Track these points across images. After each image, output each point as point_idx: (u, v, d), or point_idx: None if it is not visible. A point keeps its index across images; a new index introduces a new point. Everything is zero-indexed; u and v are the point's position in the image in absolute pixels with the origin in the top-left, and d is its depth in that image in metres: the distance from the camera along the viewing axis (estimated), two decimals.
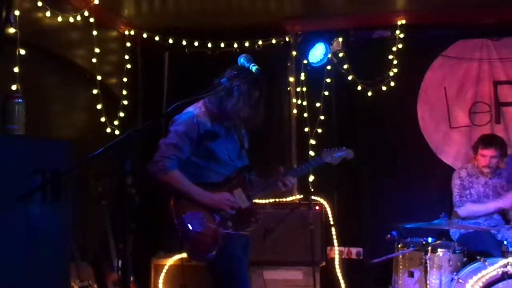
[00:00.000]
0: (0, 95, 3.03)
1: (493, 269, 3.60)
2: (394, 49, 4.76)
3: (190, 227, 2.83)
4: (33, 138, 2.99)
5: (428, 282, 3.71)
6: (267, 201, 4.43)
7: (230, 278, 2.89)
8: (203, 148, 2.92)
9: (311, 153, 4.80)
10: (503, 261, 3.62)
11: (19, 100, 2.92)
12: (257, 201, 4.21)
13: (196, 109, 2.96)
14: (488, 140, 4.33)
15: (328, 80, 4.88)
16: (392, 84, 4.77)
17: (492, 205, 4.25)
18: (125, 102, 4.74)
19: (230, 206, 2.90)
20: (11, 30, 3.40)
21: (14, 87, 3.35)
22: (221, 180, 2.97)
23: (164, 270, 4.34)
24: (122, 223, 2.30)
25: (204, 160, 2.94)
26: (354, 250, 4.77)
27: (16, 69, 3.41)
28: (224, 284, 2.91)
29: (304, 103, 4.87)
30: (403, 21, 4.72)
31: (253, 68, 2.82)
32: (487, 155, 4.26)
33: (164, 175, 2.83)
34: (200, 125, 2.90)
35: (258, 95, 2.94)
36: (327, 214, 4.62)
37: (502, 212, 4.34)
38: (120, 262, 4.06)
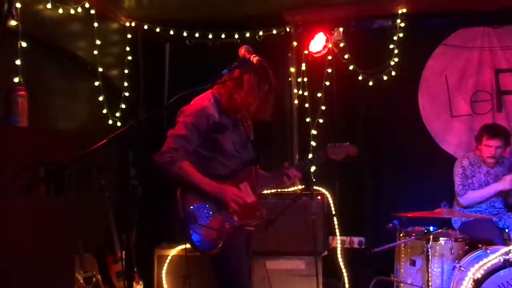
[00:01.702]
0: (3, 88, 3.04)
1: (495, 257, 3.62)
2: (395, 38, 4.76)
3: (197, 220, 2.82)
4: (36, 130, 3.00)
5: (430, 270, 3.72)
6: (269, 191, 4.44)
7: (230, 271, 2.90)
8: (210, 140, 2.90)
9: (313, 143, 4.81)
10: (505, 249, 3.64)
11: (22, 92, 2.92)
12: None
13: (205, 100, 2.93)
14: (494, 131, 4.31)
15: (329, 70, 4.87)
16: (393, 73, 4.76)
17: (492, 188, 4.26)
18: (127, 94, 4.75)
19: (237, 203, 2.88)
20: (13, 23, 3.40)
21: (16, 80, 3.36)
22: (227, 173, 2.96)
23: (167, 261, 4.36)
24: (125, 215, 2.31)
25: (210, 152, 2.92)
26: (356, 240, 4.78)
27: (18, 62, 3.42)
28: (224, 276, 2.92)
29: (305, 93, 4.87)
30: (404, 10, 4.70)
31: (254, 59, 2.83)
32: (492, 145, 4.26)
33: (172, 166, 2.81)
34: (209, 117, 2.88)
35: (267, 88, 2.93)
36: (329, 203, 4.63)
37: (504, 198, 4.35)
38: (123, 253, 4.09)
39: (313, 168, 4.69)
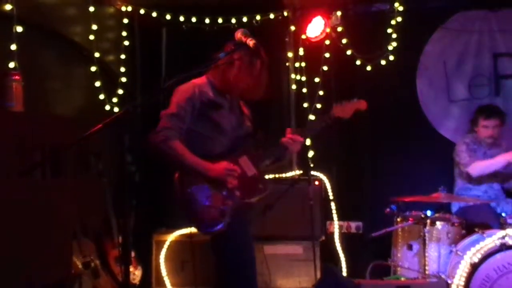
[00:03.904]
0: None
1: (491, 240, 3.62)
2: (393, 22, 4.73)
3: (197, 201, 2.78)
4: (31, 115, 2.99)
5: (426, 254, 3.74)
6: (266, 177, 4.43)
7: (235, 255, 2.83)
8: (206, 119, 2.88)
9: None
10: (502, 233, 3.64)
11: (17, 77, 2.91)
12: None
13: (199, 80, 2.94)
14: (489, 111, 4.35)
15: (327, 55, 4.85)
16: (391, 58, 4.75)
17: (499, 159, 4.21)
18: (124, 79, 4.72)
19: (231, 176, 2.82)
20: (8, 7, 3.37)
21: (11, 65, 3.34)
22: (225, 151, 2.92)
23: (165, 246, 4.37)
24: (123, 200, 2.30)
25: (208, 131, 2.89)
26: (353, 224, 4.80)
27: (13, 47, 3.39)
28: (228, 260, 2.84)
29: (303, 78, 4.85)
30: None
31: (251, 42, 2.81)
32: (489, 125, 4.28)
33: (164, 145, 2.78)
34: (202, 94, 2.87)
35: (259, 65, 2.91)
36: (326, 189, 4.64)
37: (501, 182, 4.36)
38: (121, 238, 4.09)
39: (311, 153, 4.70)
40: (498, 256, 3.53)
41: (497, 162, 4.22)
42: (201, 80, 2.94)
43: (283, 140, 3.01)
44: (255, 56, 2.88)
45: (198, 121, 2.88)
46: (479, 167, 4.27)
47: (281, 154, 3.06)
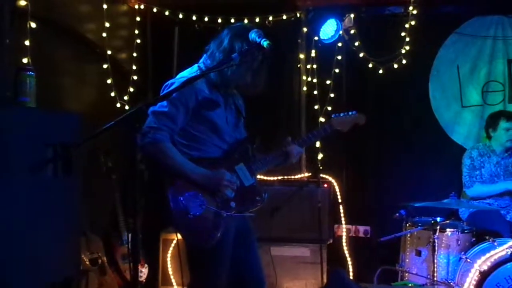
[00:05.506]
0: (12, 68, 3.03)
1: (502, 249, 3.59)
2: (406, 26, 4.69)
3: (188, 210, 2.51)
4: (44, 110, 2.99)
5: (435, 261, 3.71)
6: (275, 178, 4.43)
7: (217, 267, 2.61)
8: (201, 118, 2.61)
9: None
10: None
11: (31, 72, 2.91)
12: (265, 178, 4.24)
13: (192, 74, 2.63)
14: (509, 114, 4.29)
15: (339, 57, 4.83)
16: (404, 61, 4.71)
17: (501, 186, 4.22)
18: (135, 77, 4.73)
19: (229, 188, 2.59)
20: (22, 3, 3.38)
21: (25, 60, 3.35)
22: (221, 155, 2.67)
23: (173, 245, 4.38)
24: (131, 198, 2.28)
25: (203, 132, 2.63)
26: (361, 228, 4.78)
27: (27, 42, 3.40)
28: (206, 272, 2.63)
29: (314, 80, 4.83)
30: None
31: (264, 43, 2.70)
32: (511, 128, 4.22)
33: (153, 148, 2.53)
34: (197, 92, 2.58)
35: (261, 59, 2.65)
36: (335, 191, 4.63)
37: None
38: (129, 236, 4.10)
39: (320, 156, 4.69)
40: (509, 265, 3.50)
41: (497, 189, 4.20)
42: (195, 74, 2.63)
43: (288, 149, 2.80)
44: (257, 50, 2.60)
45: (193, 120, 2.62)
46: (478, 191, 4.24)
47: (280, 162, 2.83)
